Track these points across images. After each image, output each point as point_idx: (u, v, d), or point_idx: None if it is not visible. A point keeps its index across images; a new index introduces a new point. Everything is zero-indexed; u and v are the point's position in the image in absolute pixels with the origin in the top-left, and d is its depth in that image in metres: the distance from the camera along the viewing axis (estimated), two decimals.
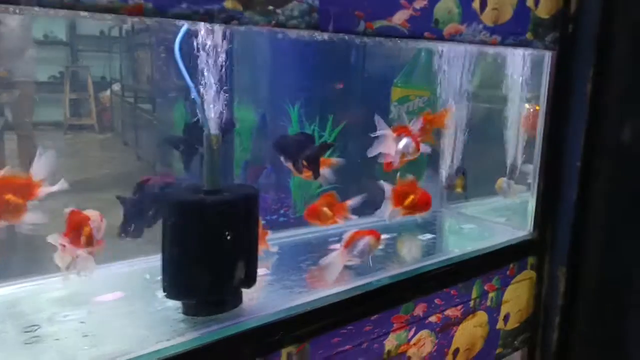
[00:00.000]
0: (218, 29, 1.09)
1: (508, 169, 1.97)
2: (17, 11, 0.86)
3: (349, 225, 1.58)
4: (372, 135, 1.46)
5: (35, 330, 1.07)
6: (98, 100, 5.81)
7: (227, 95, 1.15)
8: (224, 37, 1.12)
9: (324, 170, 1.44)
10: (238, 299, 1.19)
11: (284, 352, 1.17)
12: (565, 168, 1.79)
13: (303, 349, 1.20)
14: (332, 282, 1.33)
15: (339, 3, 1.13)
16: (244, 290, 1.20)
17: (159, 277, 1.13)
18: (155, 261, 1.37)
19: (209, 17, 0.96)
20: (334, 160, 1.47)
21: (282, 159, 1.41)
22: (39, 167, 1.11)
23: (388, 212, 1.52)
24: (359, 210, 1.59)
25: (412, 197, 1.52)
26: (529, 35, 1.60)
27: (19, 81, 3.37)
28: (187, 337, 1.06)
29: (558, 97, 1.76)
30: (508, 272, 1.73)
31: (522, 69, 1.88)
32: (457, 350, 1.61)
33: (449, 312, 1.55)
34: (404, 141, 1.47)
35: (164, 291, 1.11)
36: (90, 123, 5.73)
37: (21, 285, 1.26)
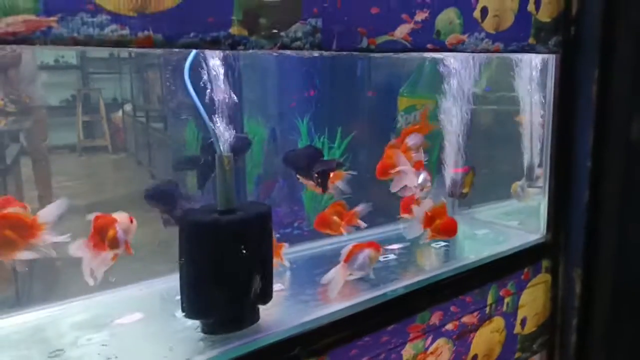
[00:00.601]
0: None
1: (525, 172, 1.98)
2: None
3: (363, 236, 1.60)
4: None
5: (61, 355, 1.10)
6: (110, 122, 5.90)
7: (237, 113, 1.18)
8: (231, 58, 1.16)
9: (337, 183, 1.47)
10: (255, 316, 1.21)
11: None
12: (576, 169, 1.79)
13: None
14: (334, 297, 1.34)
15: (341, 22, 1.16)
16: (261, 307, 1.22)
17: (177, 297, 1.15)
18: (165, 282, 1.42)
19: (216, 44, 0.99)
20: (344, 173, 1.49)
21: (293, 172, 1.44)
22: (49, 212, 1.11)
23: (416, 232, 1.56)
24: (370, 221, 1.61)
25: (437, 221, 1.56)
26: (531, 40, 1.61)
27: (33, 106, 3.44)
28: (207, 355, 1.09)
29: (565, 99, 1.76)
30: (523, 277, 1.74)
31: (534, 70, 1.89)
32: (475, 357, 1.61)
33: (465, 319, 1.55)
34: (422, 176, 1.59)
35: (183, 311, 1.14)
36: (103, 144, 5.82)
37: (44, 311, 1.29)
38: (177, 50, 1.01)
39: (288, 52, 1.12)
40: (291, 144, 2.67)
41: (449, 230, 1.58)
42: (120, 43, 0.90)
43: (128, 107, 5.57)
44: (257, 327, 1.19)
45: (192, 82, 1.16)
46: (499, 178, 2.13)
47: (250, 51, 1.05)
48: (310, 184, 1.42)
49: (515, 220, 2.01)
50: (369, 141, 1.63)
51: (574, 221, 1.82)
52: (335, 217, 1.55)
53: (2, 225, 1.06)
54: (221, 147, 1.16)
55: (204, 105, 1.17)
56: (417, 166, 1.61)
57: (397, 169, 1.54)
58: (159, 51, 1.01)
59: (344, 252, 1.39)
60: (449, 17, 1.37)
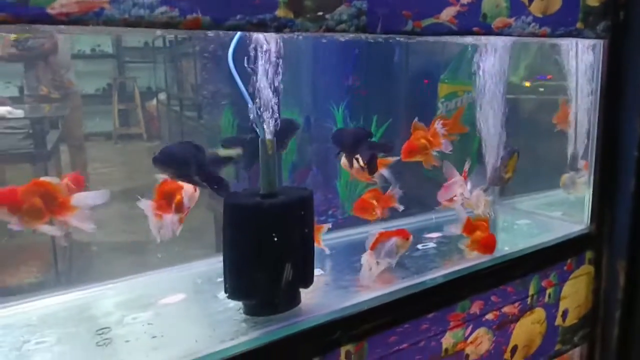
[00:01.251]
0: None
1: (569, 161, 1.93)
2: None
3: (401, 224, 1.59)
4: (445, 184, 1.54)
5: (107, 332, 1.13)
6: (145, 110, 5.98)
7: (278, 98, 1.18)
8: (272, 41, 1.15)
9: (383, 171, 1.45)
10: (297, 299, 1.22)
11: (343, 350, 1.20)
12: (622, 159, 1.74)
13: (362, 348, 1.22)
14: (366, 285, 1.33)
15: (386, 4, 1.15)
16: (302, 290, 1.23)
17: (219, 279, 1.17)
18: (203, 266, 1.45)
19: (262, 27, 1.00)
20: (391, 159, 1.48)
21: (337, 153, 1.41)
22: (84, 198, 1.11)
23: (455, 231, 1.55)
24: (405, 211, 1.60)
25: (477, 233, 1.54)
26: (579, 25, 1.57)
27: (71, 94, 3.51)
28: (249, 336, 1.10)
29: (612, 86, 1.72)
30: (566, 268, 1.70)
31: (581, 56, 1.83)
32: (515, 348, 1.60)
33: (506, 309, 1.54)
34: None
35: (226, 292, 1.16)
36: (138, 132, 5.91)
37: (90, 291, 1.33)
38: (221, 33, 1.02)
39: (332, 35, 1.12)
40: (326, 132, 2.66)
41: (487, 247, 1.55)
42: (169, 25, 0.91)
43: (162, 96, 5.64)
44: (298, 310, 1.20)
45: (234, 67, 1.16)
46: (541, 168, 2.09)
47: (295, 34, 1.06)
48: (354, 169, 1.40)
49: (558, 211, 1.97)
50: (407, 129, 1.61)
51: (619, 212, 1.77)
52: (374, 202, 1.54)
53: (33, 191, 1.05)
54: (265, 131, 1.16)
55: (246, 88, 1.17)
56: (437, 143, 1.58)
57: (449, 182, 1.55)
58: (196, 37, 1.01)
59: (370, 239, 1.37)
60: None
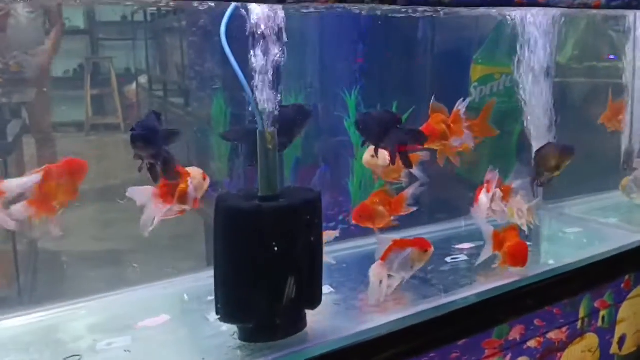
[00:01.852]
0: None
1: (622, 159, 1.92)
2: None
3: (425, 232, 1.58)
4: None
5: None
6: (123, 96, 6.01)
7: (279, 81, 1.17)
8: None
9: (413, 168, 1.44)
10: (302, 322, 1.21)
11: None
12: None
13: None
14: (373, 303, 1.31)
15: None
16: (308, 312, 1.22)
17: (209, 298, 1.16)
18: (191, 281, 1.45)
19: None
20: (423, 154, 1.46)
21: (362, 143, 1.38)
22: (14, 184, 1.12)
23: (485, 256, 1.52)
24: (431, 217, 1.58)
25: (507, 244, 1.51)
26: None
27: (34, 78, 3.51)
28: None
29: None
30: (623, 285, 1.69)
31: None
32: None
33: (551, 335, 1.53)
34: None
35: (217, 314, 1.15)
36: (115, 122, 5.94)
37: (58, 310, 1.33)
38: (212, 5, 1.01)
39: (344, 6, 1.11)
40: (336, 122, 2.65)
41: (515, 257, 1.50)
42: None
43: (143, 80, 5.66)
44: (303, 335, 1.19)
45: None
46: (593, 166, 2.07)
47: (301, 5, 1.05)
48: (381, 166, 1.38)
49: (613, 217, 1.95)
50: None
51: None
52: (380, 208, 1.50)
53: None
54: (263, 122, 1.15)
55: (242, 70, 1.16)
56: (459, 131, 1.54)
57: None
58: (183, 10, 1.01)
59: (381, 248, 1.33)
60: None
